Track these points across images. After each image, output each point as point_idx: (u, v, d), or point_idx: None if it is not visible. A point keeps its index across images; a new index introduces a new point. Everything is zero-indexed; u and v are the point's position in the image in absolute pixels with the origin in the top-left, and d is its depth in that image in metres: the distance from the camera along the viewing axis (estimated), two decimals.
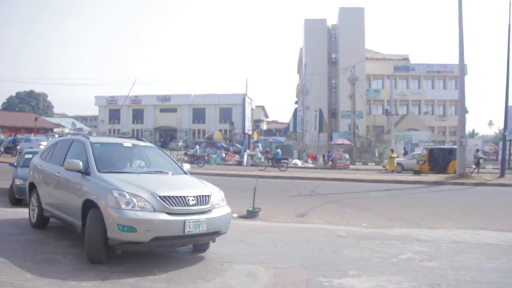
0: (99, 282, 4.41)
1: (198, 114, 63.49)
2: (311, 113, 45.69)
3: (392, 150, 28.41)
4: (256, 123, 71.77)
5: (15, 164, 11.88)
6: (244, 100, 38.47)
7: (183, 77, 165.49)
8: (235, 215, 9.33)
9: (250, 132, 39.92)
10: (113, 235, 4.84)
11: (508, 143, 28.39)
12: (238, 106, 54.36)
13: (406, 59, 57.43)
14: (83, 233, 5.31)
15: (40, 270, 4.72)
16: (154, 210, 4.92)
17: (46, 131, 62.19)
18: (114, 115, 63.05)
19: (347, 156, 32.02)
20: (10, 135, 35.94)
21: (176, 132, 63.27)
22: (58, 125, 72.61)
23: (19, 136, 37.34)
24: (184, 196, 5.14)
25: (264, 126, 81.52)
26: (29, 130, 58.90)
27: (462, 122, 20.38)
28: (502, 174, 20.62)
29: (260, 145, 35.19)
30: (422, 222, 9.15)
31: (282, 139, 55.13)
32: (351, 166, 31.28)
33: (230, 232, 6.89)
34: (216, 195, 5.62)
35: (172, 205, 5.00)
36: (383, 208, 10.99)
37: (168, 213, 4.95)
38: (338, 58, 53.33)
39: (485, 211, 10.78)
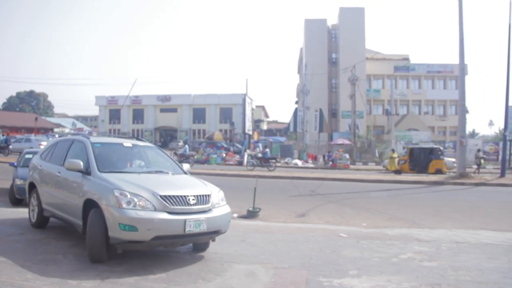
0: (99, 282, 4.42)
1: (198, 114, 63.46)
2: (311, 113, 45.69)
3: (393, 150, 28.36)
4: (257, 123, 71.71)
5: (15, 164, 11.89)
6: (244, 100, 38.43)
7: (183, 77, 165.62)
8: (235, 215, 9.33)
9: (250, 132, 39.87)
10: (114, 234, 4.87)
11: (508, 143, 28.39)
12: (238, 106, 54.31)
13: (406, 59, 57.40)
14: (83, 233, 5.34)
15: (40, 270, 4.72)
16: (155, 210, 4.95)
17: (46, 131, 62.21)
18: (115, 115, 63.05)
19: (347, 156, 32.01)
20: (3, 135, 35.93)
21: (176, 132, 63.26)
22: (58, 125, 72.63)
23: (18, 136, 37.36)
24: (184, 196, 5.18)
25: (265, 126, 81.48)
26: (30, 130, 58.92)
27: (463, 122, 20.38)
28: (502, 174, 20.63)
29: (260, 145, 35.22)
30: (422, 222, 9.15)
31: (283, 139, 55.17)
32: (351, 166, 31.28)
33: (230, 232, 6.90)
34: (216, 194, 5.66)
35: (172, 205, 5.04)
36: (383, 208, 10.99)
37: (169, 213, 4.99)
38: (338, 58, 53.31)
39: (485, 211, 10.78)
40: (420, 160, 24.46)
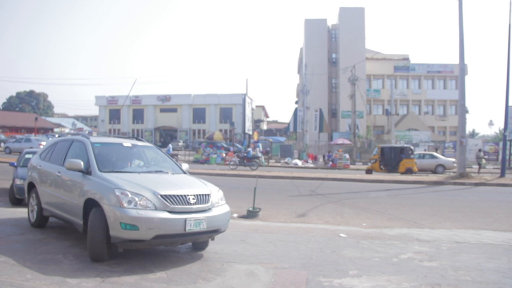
0: (99, 282, 4.41)
1: (198, 114, 63.45)
2: (311, 113, 45.69)
3: None
4: (257, 123, 71.73)
5: (15, 164, 11.89)
6: (244, 100, 38.44)
7: (183, 77, 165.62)
8: (235, 215, 9.34)
9: (250, 132, 39.84)
10: (115, 233, 4.90)
11: (508, 143, 28.44)
12: (238, 106, 54.36)
13: (406, 59, 57.41)
14: (84, 232, 5.38)
15: (40, 270, 4.72)
16: (156, 209, 4.99)
17: (46, 131, 62.29)
18: (115, 115, 63.07)
19: (347, 156, 32.01)
20: None
21: (177, 132, 63.25)
22: (58, 125, 72.68)
23: (18, 136, 37.34)
24: (184, 195, 5.22)
25: (265, 126, 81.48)
26: (30, 130, 58.99)
27: (462, 122, 20.37)
28: (502, 174, 20.64)
29: (260, 145, 35.16)
30: (422, 222, 9.15)
31: (283, 139, 55.11)
32: (352, 166, 31.30)
33: (230, 232, 6.91)
34: (216, 194, 5.70)
35: (173, 204, 5.08)
36: (383, 208, 10.99)
37: (170, 212, 5.03)
38: (338, 58, 53.31)
39: (485, 211, 10.78)
40: (391, 159, 24.38)
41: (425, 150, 33.63)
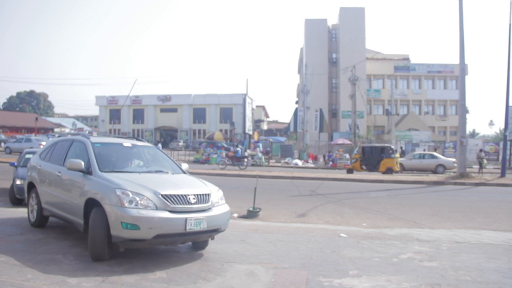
0: (100, 282, 4.42)
1: (199, 114, 63.43)
2: (311, 113, 45.68)
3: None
4: (257, 123, 71.66)
5: (15, 164, 11.89)
6: (244, 100, 38.33)
7: (183, 77, 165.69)
8: (235, 215, 9.34)
9: (250, 132, 39.71)
10: (116, 232, 4.93)
11: (508, 143, 28.43)
12: (238, 106, 54.27)
13: (406, 59, 57.39)
14: (85, 231, 5.41)
15: (40, 270, 4.72)
16: (157, 208, 5.02)
17: (46, 131, 62.30)
18: (115, 115, 63.08)
19: (347, 156, 31.99)
20: None
21: (177, 132, 63.25)
22: (59, 125, 72.68)
23: (19, 136, 37.36)
24: (185, 195, 5.25)
25: (265, 126, 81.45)
26: (30, 130, 59.01)
27: (463, 122, 20.36)
28: (502, 174, 20.64)
29: (260, 145, 35.18)
30: (422, 222, 9.15)
31: (283, 139, 55.11)
32: None
33: (231, 232, 6.92)
34: (216, 193, 5.73)
35: (173, 203, 5.11)
36: (383, 208, 10.99)
37: (170, 211, 5.05)
38: (338, 58, 53.31)
39: (485, 211, 10.77)
40: (372, 158, 24.38)
41: (424, 150, 33.61)
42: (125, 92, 49.31)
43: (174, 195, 5.17)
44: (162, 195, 5.10)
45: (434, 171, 25.84)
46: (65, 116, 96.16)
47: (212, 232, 5.46)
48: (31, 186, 7.33)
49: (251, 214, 9.43)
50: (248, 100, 39.91)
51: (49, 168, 6.78)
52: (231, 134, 50.70)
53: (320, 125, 42.85)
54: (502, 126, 33.29)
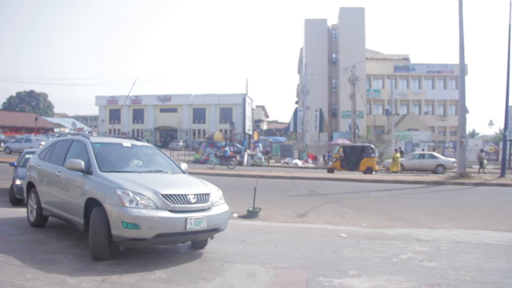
0: (100, 282, 4.42)
1: (199, 114, 63.43)
2: (311, 113, 45.66)
3: (396, 150, 27.96)
4: (257, 123, 71.66)
5: (15, 164, 11.89)
6: (244, 100, 38.32)
7: (183, 77, 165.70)
8: (235, 215, 9.34)
9: (250, 132, 39.71)
10: (117, 232, 4.95)
11: (508, 143, 28.43)
12: (238, 106, 54.28)
13: (406, 59, 57.38)
14: (85, 231, 5.44)
15: (40, 270, 4.72)
16: (157, 208, 5.04)
17: (46, 131, 62.31)
18: (115, 115, 63.06)
19: None
20: None
21: (177, 132, 63.24)
22: (59, 125, 72.66)
23: (18, 136, 37.35)
24: (185, 194, 5.28)
25: (265, 126, 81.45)
26: (30, 130, 59.00)
27: (463, 122, 20.36)
28: (502, 174, 20.64)
29: (260, 145, 35.18)
30: (422, 222, 9.15)
31: (283, 139, 55.12)
32: None
33: (231, 232, 6.92)
34: (215, 193, 5.76)
35: (174, 203, 5.13)
36: (383, 208, 10.99)
37: (170, 211, 5.08)
38: (338, 58, 53.29)
39: (485, 211, 10.77)
40: (352, 158, 24.48)
41: (423, 150, 33.63)
42: (125, 92, 49.36)
43: (174, 194, 5.19)
44: (162, 195, 5.12)
45: (434, 171, 25.84)
46: (65, 116, 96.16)
47: (212, 231, 5.49)
48: (31, 186, 7.33)
49: (251, 214, 9.43)
50: (248, 100, 39.92)
51: (49, 168, 6.78)
52: (231, 134, 50.69)
53: (320, 125, 42.84)
54: (502, 126, 33.28)
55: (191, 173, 6.82)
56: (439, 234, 7.67)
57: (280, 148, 39.75)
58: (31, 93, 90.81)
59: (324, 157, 34.02)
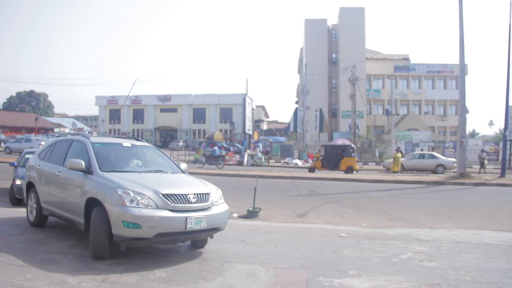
0: (100, 281, 4.42)
1: (199, 114, 63.42)
2: (311, 113, 45.68)
3: (397, 150, 27.93)
4: (257, 123, 71.64)
5: (15, 164, 11.90)
6: (244, 100, 38.32)
7: (183, 77, 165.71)
8: (235, 215, 9.34)
9: (250, 132, 39.73)
10: (118, 231, 4.97)
11: (508, 143, 28.41)
12: (238, 106, 54.26)
13: (406, 59, 57.38)
14: (86, 230, 5.46)
15: (40, 270, 4.72)
16: (158, 207, 5.07)
17: (46, 131, 62.32)
18: (115, 115, 63.07)
19: None
20: None
21: (177, 132, 63.23)
22: (59, 125, 72.68)
23: (18, 136, 37.35)
24: (185, 194, 5.30)
25: (265, 126, 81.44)
26: (30, 130, 59.01)
27: (463, 122, 20.36)
28: (502, 174, 20.64)
29: (260, 145, 35.18)
30: (422, 222, 9.15)
31: (283, 139, 55.13)
32: None
33: (231, 232, 6.92)
34: (215, 193, 5.79)
35: (174, 203, 5.16)
36: (383, 208, 10.99)
37: (171, 210, 5.11)
38: (338, 58, 53.30)
39: (485, 211, 10.77)
40: (332, 157, 24.54)
41: (421, 150, 33.62)
42: (125, 92, 49.37)
43: (175, 194, 5.22)
44: (162, 194, 5.14)
45: (434, 171, 25.83)
46: (65, 116, 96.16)
47: (212, 230, 5.52)
48: (30, 185, 7.34)
49: (251, 214, 9.43)
50: (248, 100, 39.94)
51: (49, 168, 6.79)
52: (231, 134, 50.71)
53: (320, 125, 42.84)
54: (502, 126, 33.26)
55: (191, 173, 6.82)
56: (439, 234, 7.66)
57: (280, 148, 39.76)
58: (31, 93, 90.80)
59: None
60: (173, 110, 63.99)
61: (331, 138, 46.79)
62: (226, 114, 61.62)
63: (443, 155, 30.33)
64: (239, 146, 40.37)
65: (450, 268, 5.35)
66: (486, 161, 26.54)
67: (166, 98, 63.68)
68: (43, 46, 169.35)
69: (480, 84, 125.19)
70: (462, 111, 20.36)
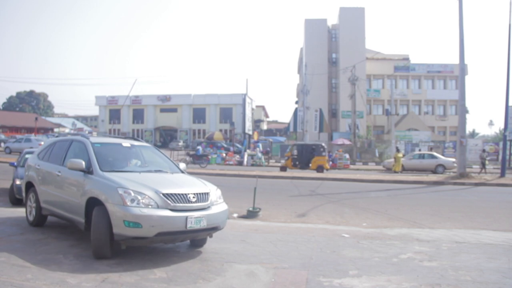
0: (100, 281, 4.42)
1: (199, 114, 63.43)
2: (311, 113, 45.67)
3: (398, 150, 27.92)
4: (257, 123, 71.66)
5: (15, 164, 11.89)
6: (244, 100, 38.34)
7: (183, 77, 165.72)
8: (235, 215, 9.34)
9: (250, 132, 39.75)
10: (119, 231, 5.00)
11: (508, 143, 28.43)
12: (238, 106, 54.28)
13: (406, 59, 57.38)
14: (86, 230, 5.49)
15: (40, 270, 4.72)
16: (158, 207, 5.11)
17: (46, 131, 62.32)
18: (115, 115, 63.07)
19: (347, 156, 31.99)
20: None
21: (177, 132, 63.24)
22: (59, 125, 72.69)
23: (18, 136, 37.34)
24: (185, 194, 5.34)
25: (265, 126, 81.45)
26: (30, 130, 59.01)
27: (463, 122, 20.35)
28: (502, 174, 20.64)
29: (260, 145, 35.18)
30: (422, 222, 9.15)
31: (283, 139, 55.12)
32: (352, 166, 31.28)
33: (231, 232, 6.92)
34: (214, 192, 5.83)
35: (174, 202, 5.20)
36: (383, 208, 10.99)
37: (171, 210, 5.15)
38: (338, 58, 53.30)
39: (485, 211, 10.77)
40: (303, 156, 24.60)
41: (420, 150, 33.60)
42: (125, 92, 49.36)
43: (175, 194, 5.25)
44: (163, 194, 5.18)
45: (434, 171, 25.82)
46: (65, 116, 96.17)
47: (211, 230, 5.56)
48: (29, 185, 7.34)
49: (251, 214, 9.42)
50: (248, 100, 39.96)
51: (48, 167, 6.80)
52: (231, 134, 50.72)
53: (320, 125, 42.83)
54: (502, 126, 33.28)
55: (191, 173, 6.82)
56: (439, 234, 7.67)
57: (280, 148, 39.74)
58: (31, 93, 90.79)
59: None
60: (173, 110, 64.00)
61: (331, 138, 46.83)
62: (226, 114, 61.63)
63: (443, 155, 30.32)
64: (239, 146, 40.37)
65: (450, 268, 5.35)
66: (487, 161, 26.52)
67: (166, 98, 63.69)
68: (43, 46, 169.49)
69: (480, 84, 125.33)
70: (462, 111, 20.36)
